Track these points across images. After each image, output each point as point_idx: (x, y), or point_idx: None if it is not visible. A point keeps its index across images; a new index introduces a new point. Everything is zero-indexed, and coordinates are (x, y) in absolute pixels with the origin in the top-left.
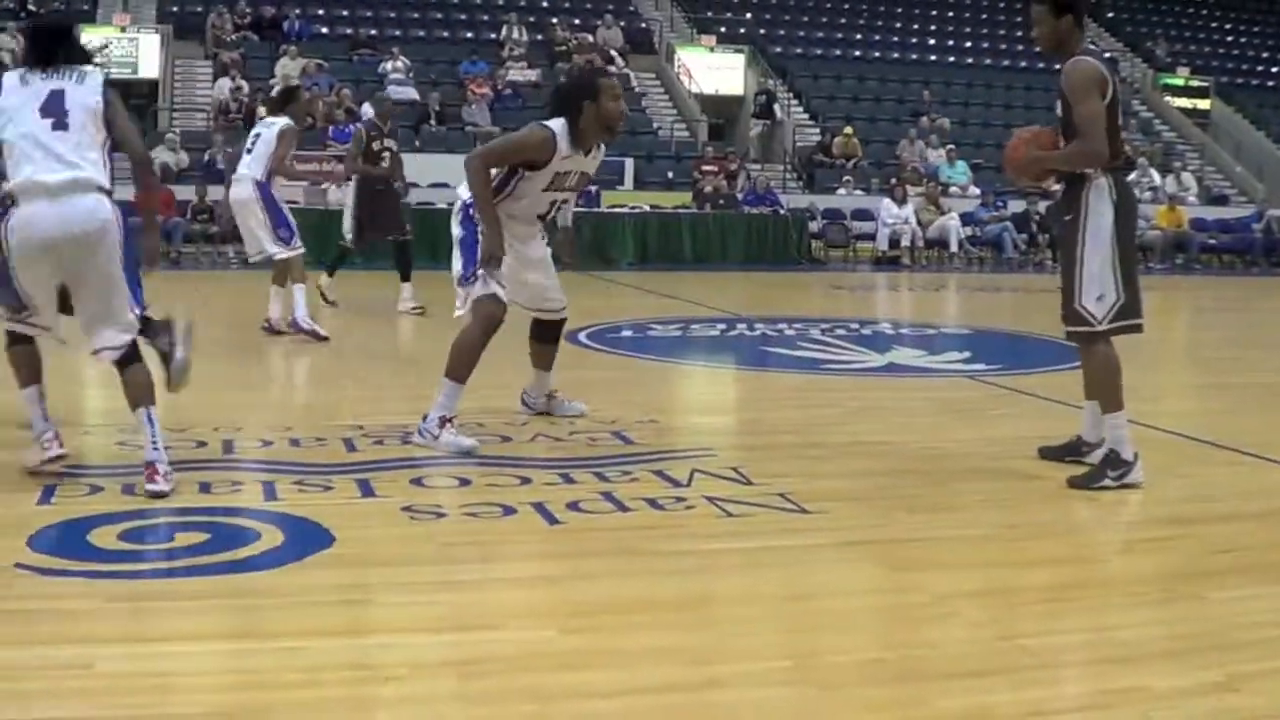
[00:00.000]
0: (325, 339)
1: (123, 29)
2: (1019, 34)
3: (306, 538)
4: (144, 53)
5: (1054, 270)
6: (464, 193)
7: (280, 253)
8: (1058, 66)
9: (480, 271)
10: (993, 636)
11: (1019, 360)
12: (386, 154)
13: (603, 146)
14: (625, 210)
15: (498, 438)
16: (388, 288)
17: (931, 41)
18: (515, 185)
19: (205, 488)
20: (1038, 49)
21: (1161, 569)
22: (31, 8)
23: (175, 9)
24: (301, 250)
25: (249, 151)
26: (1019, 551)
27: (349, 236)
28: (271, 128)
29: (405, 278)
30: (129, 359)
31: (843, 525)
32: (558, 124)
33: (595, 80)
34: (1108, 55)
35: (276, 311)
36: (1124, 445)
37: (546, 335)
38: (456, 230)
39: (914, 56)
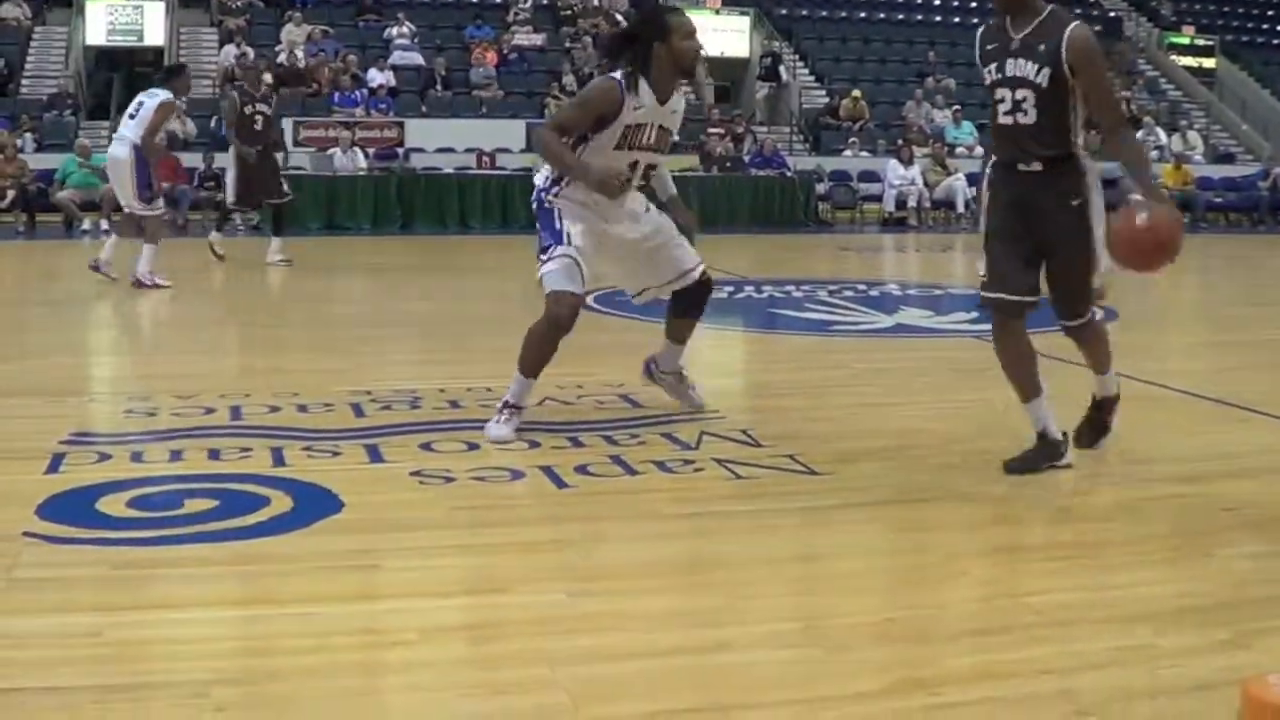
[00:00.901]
0: (168, 287)
1: None
2: None
3: (315, 503)
4: (149, 20)
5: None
6: (538, 180)
7: (142, 210)
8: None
9: (557, 258)
10: (1001, 595)
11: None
12: (259, 118)
13: (681, 97)
14: None
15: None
16: (395, 253)
17: (936, 2)
18: (582, 152)
19: (214, 454)
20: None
21: (1170, 527)
22: None
23: None
24: (161, 211)
25: (131, 116)
26: (1027, 510)
27: (230, 199)
28: (155, 98)
29: (277, 233)
30: None
31: (851, 486)
32: (621, 71)
33: (664, 18)
34: (1113, 14)
35: (106, 255)
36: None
37: (684, 306)
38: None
39: (919, 17)
